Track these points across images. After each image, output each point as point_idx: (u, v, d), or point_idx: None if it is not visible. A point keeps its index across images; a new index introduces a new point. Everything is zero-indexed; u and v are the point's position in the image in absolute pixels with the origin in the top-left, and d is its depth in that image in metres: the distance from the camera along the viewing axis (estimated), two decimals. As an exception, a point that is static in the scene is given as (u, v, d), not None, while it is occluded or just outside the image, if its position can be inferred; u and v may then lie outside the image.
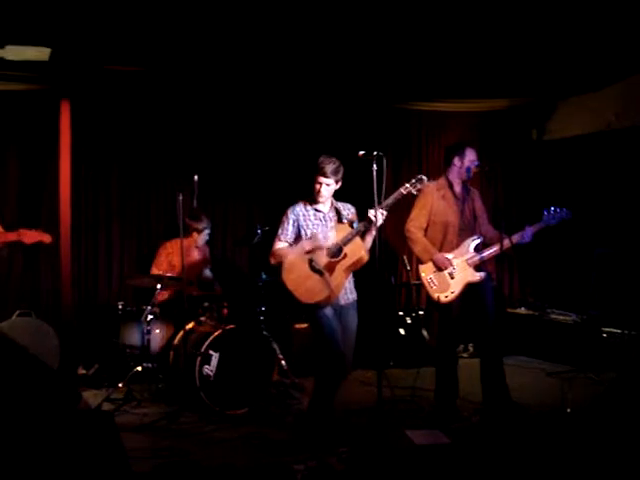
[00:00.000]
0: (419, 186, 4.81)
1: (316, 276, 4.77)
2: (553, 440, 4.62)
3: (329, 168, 4.80)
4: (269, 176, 7.70)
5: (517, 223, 5.64)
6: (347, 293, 4.97)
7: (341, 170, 4.87)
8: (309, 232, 4.91)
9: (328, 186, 4.86)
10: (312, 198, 4.96)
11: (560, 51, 6.79)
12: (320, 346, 4.88)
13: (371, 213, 4.66)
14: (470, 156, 5.44)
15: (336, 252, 4.79)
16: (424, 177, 4.81)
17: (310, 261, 4.80)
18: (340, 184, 4.92)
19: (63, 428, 3.44)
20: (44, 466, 3.18)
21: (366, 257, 4.83)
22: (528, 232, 5.42)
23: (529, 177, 8.58)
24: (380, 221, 4.66)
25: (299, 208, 4.99)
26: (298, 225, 4.95)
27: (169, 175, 7.30)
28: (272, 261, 5.02)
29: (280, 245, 4.97)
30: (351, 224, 4.87)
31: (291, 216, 4.96)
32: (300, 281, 4.80)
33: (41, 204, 6.91)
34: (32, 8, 5.43)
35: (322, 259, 4.79)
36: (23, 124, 6.82)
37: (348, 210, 5.03)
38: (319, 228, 4.91)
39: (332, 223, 4.95)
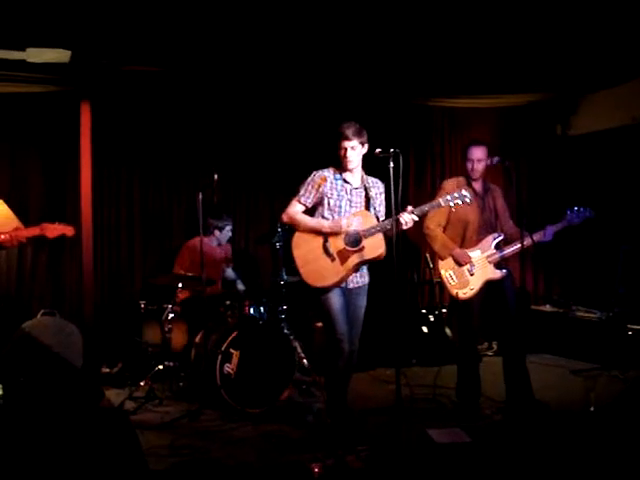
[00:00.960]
0: (459, 203, 4.70)
1: (327, 259, 4.65)
2: (576, 439, 4.56)
3: (350, 130, 4.68)
4: (290, 173, 7.64)
5: (541, 220, 5.59)
6: (357, 277, 4.81)
7: (364, 132, 4.76)
8: (332, 202, 4.74)
9: (354, 149, 4.70)
10: (342, 167, 4.79)
11: (583, 45, 6.71)
12: (325, 329, 4.77)
13: (402, 217, 4.51)
14: (474, 154, 5.37)
15: (354, 241, 4.65)
16: (468, 199, 4.69)
17: (324, 242, 4.66)
18: (367, 147, 4.77)
19: (83, 426, 3.47)
20: (59, 462, 3.21)
21: (384, 254, 4.70)
22: (549, 231, 5.36)
23: (554, 173, 8.48)
24: (409, 225, 4.54)
25: (327, 174, 4.80)
26: (322, 191, 4.77)
27: (190, 174, 7.33)
28: (284, 219, 4.86)
29: (298, 208, 4.80)
30: (378, 217, 4.73)
31: (317, 180, 4.78)
32: (309, 259, 4.67)
33: (64, 204, 6.96)
34: (52, 11, 5.48)
35: (338, 243, 4.65)
36: (44, 125, 6.88)
37: (377, 189, 4.89)
38: (343, 201, 4.76)
39: (359, 199, 4.80)
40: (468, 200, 4.71)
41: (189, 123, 7.39)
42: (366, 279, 4.90)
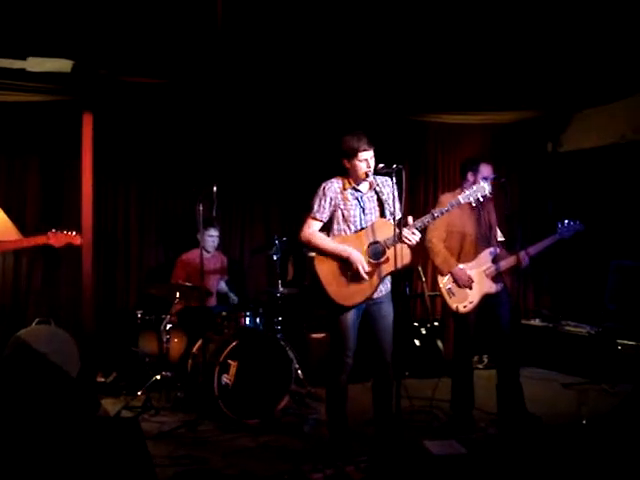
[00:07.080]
0: (479, 196, 4.65)
1: (353, 277, 4.48)
2: (569, 451, 4.63)
3: (365, 140, 4.54)
4: (286, 186, 7.75)
5: (531, 235, 5.66)
6: (379, 286, 4.59)
7: None
8: (346, 213, 4.57)
9: (372, 159, 4.54)
10: (352, 178, 4.61)
11: (575, 64, 6.84)
12: (332, 343, 4.67)
13: (405, 232, 4.41)
14: (484, 172, 5.42)
15: (378, 254, 4.52)
16: (487, 191, 4.66)
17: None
18: None
19: (83, 435, 3.48)
20: (65, 473, 3.22)
21: (411, 260, 4.56)
22: (526, 258, 5.45)
23: (544, 188, 8.60)
24: (412, 242, 4.44)
25: (337, 186, 4.62)
26: (335, 204, 4.60)
27: (188, 185, 7.35)
28: (301, 239, 4.66)
29: (316, 226, 4.62)
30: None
31: (329, 194, 4.59)
32: (334, 277, 4.50)
33: (62, 214, 6.96)
34: (54, 20, 5.52)
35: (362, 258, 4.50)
36: (44, 135, 6.89)
37: (388, 187, 4.64)
38: (356, 210, 4.57)
39: (371, 204, 4.63)
40: (487, 192, 4.67)
41: (188, 134, 7.43)
42: (388, 286, 4.71)
